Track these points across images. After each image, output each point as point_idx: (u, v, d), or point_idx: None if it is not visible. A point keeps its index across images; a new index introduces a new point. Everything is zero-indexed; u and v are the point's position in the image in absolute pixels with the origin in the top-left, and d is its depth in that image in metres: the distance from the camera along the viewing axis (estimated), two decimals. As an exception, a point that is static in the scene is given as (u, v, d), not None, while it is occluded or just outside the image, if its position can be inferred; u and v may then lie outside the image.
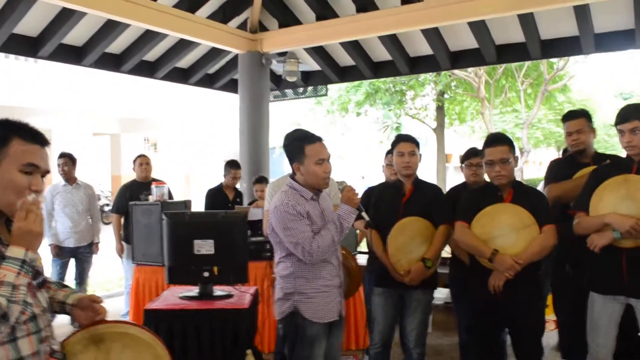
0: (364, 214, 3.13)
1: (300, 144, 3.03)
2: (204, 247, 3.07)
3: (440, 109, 17.27)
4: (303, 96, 8.98)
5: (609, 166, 3.31)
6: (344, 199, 3.05)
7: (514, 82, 17.23)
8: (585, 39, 6.47)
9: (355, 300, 5.13)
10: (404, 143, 3.75)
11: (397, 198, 3.75)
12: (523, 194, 3.38)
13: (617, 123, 3.12)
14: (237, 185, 6.59)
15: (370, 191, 4.40)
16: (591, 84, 25.83)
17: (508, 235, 3.27)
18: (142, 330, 1.94)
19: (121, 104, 17.71)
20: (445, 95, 17.55)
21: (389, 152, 4.45)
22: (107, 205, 17.86)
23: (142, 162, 6.23)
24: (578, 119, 3.81)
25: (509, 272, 3.20)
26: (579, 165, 3.69)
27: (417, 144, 3.80)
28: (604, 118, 25.39)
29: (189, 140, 20.61)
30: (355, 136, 22.19)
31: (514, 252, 3.23)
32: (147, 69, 7.83)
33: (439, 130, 16.65)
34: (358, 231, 5.64)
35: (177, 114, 19.18)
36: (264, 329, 4.92)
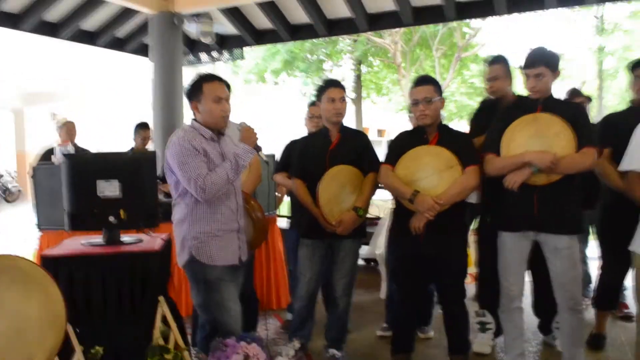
0: (261, 154, 3.11)
1: (198, 82, 2.99)
2: (109, 188, 2.85)
3: (358, 78, 17.31)
4: (219, 60, 8.68)
5: (514, 107, 3.36)
6: (242, 137, 3.00)
7: (429, 52, 17.51)
8: (498, 0, 6.57)
9: (275, 260, 5.05)
10: (335, 89, 3.65)
11: (323, 146, 3.67)
12: (448, 136, 3.38)
13: (523, 67, 3.17)
14: (150, 147, 6.31)
15: (292, 143, 4.32)
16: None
17: (431, 177, 3.27)
18: (34, 265, 1.72)
19: (23, 76, 16.64)
20: (363, 67, 17.60)
21: (312, 104, 4.38)
22: (15, 186, 16.90)
23: (70, 127, 6.01)
24: (497, 64, 3.84)
25: (429, 213, 3.20)
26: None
27: (344, 89, 3.73)
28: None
29: (100, 113, 19.72)
30: (273, 107, 22.01)
31: (436, 194, 3.23)
32: (50, 29, 7.29)
33: (357, 100, 16.71)
34: (278, 193, 5.53)
35: (86, 86, 18.24)
36: (181, 292, 4.74)
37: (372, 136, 30.01)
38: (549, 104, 3.16)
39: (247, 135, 2.99)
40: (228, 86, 3.05)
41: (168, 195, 5.13)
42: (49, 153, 5.83)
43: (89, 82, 18.11)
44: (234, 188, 3.05)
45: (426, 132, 3.37)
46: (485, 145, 3.31)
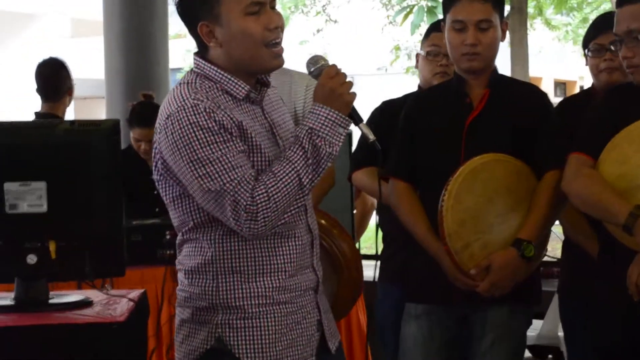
0: (362, 127, 2.93)
1: None
2: (27, 198, 2.91)
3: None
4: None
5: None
6: (323, 91, 2.86)
7: None
8: None
9: (353, 344, 5.06)
10: (468, 2, 3.68)
11: (456, 115, 3.74)
12: None
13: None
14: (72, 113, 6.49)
15: (388, 107, 4.33)
16: None
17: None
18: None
19: None
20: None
21: (433, 30, 4.47)
22: None
23: None
24: None
25: None
26: None
27: (496, 2, 3.76)
28: None
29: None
30: (345, 32, 22.49)
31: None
32: None
33: (517, 20, 16.54)
34: (355, 210, 5.57)
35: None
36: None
37: (546, 87, 29.66)
38: None
39: (332, 86, 2.85)
40: None
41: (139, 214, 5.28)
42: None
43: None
44: (305, 204, 2.97)
45: None
46: (576, 140, 3.49)
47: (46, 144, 3.03)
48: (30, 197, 2.91)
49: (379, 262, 4.60)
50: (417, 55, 4.49)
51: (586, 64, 4.22)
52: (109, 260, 3.04)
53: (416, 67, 4.51)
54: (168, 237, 4.85)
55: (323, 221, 3.49)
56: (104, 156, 3.04)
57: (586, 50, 4.20)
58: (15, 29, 23.03)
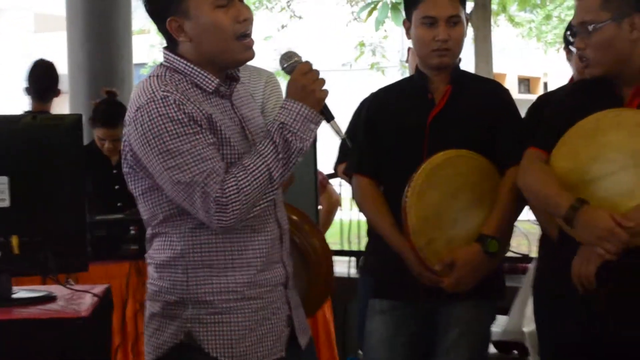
0: (333, 125, 2.93)
1: None
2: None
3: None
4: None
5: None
6: (296, 87, 2.84)
7: None
8: None
9: (320, 341, 5.06)
10: None
11: (418, 112, 3.74)
12: None
13: None
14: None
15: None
16: None
17: (623, 172, 3.24)
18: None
19: None
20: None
21: None
22: None
23: None
24: None
25: (607, 246, 3.10)
26: None
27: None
28: None
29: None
30: (309, 28, 22.57)
31: (631, 207, 3.16)
32: None
33: (480, 17, 16.53)
34: (320, 206, 5.56)
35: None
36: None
37: (509, 84, 29.71)
38: None
39: (304, 82, 2.85)
40: None
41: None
42: None
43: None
44: (274, 198, 2.94)
45: (619, 84, 3.36)
46: (536, 136, 3.49)
47: (8, 138, 3.04)
48: (-8, 192, 2.92)
49: (349, 258, 4.60)
50: (409, 49, 4.50)
51: (567, 59, 4.22)
52: (73, 256, 3.05)
53: (406, 61, 4.52)
54: (132, 232, 4.86)
55: (294, 217, 3.48)
56: (66, 151, 3.06)
57: (570, 47, 4.18)
58: (-22, 24, 23.06)
